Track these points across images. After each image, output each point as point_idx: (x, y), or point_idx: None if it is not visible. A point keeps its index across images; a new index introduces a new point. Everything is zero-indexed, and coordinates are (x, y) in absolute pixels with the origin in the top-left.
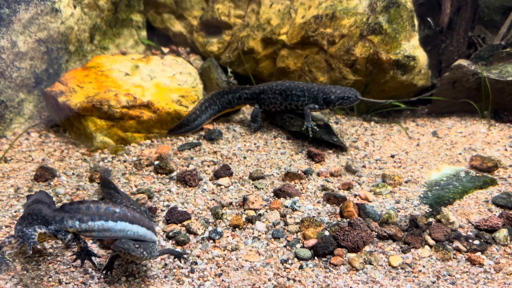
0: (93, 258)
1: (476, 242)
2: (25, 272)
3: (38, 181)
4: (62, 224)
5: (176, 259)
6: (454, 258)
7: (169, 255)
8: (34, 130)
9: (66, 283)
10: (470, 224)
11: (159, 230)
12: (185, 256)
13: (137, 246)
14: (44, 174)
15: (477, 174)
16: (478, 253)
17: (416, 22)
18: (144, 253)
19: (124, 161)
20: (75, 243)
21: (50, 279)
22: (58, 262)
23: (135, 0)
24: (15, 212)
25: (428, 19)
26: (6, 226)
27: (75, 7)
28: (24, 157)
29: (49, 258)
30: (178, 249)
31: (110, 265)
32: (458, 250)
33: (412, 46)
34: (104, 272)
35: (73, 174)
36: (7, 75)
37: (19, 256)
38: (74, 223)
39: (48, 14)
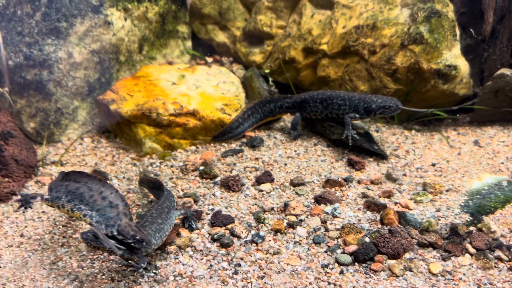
0: None
1: None
2: (80, 269)
3: None
4: None
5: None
6: (495, 267)
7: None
8: (87, 136)
9: (118, 281)
10: None
11: (205, 233)
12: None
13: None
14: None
15: None
16: None
17: (457, 32)
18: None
19: (171, 166)
20: None
21: (103, 276)
22: (111, 261)
23: (182, 12)
24: None
25: (470, 30)
26: (64, 226)
27: (126, 19)
28: (78, 161)
29: (102, 257)
30: (223, 251)
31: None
32: (499, 259)
33: (453, 56)
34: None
35: (124, 177)
36: (63, 84)
37: (75, 254)
38: None
39: (101, 27)
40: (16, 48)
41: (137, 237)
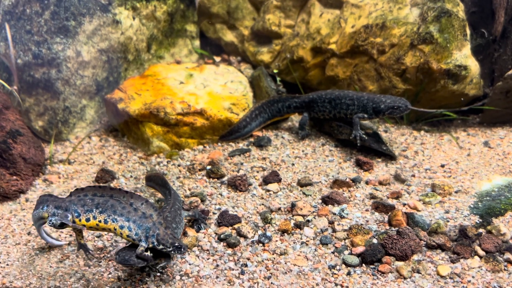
0: None
1: None
2: (87, 268)
3: (99, 183)
4: None
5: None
6: (505, 269)
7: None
8: (95, 134)
9: (125, 280)
10: None
11: (211, 232)
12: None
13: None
14: (105, 176)
15: None
16: None
17: (468, 31)
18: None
19: (179, 165)
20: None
21: (110, 275)
22: None
23: (190, 11)
24: None
25: (482, 30)
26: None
27: (134, 18)
28: (86, 160)
29: (108, 255)
30: (229, 251)
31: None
32: (509, 262)
33: (463, 56)
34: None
35: (131, 176)
36: (71, 83)
37: (82, 252)
38: None
39: (109, 26)
40: (25, 47)
41: (176, 244)
